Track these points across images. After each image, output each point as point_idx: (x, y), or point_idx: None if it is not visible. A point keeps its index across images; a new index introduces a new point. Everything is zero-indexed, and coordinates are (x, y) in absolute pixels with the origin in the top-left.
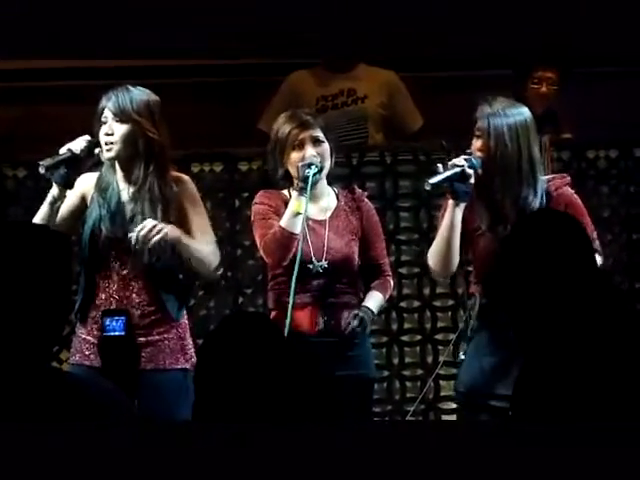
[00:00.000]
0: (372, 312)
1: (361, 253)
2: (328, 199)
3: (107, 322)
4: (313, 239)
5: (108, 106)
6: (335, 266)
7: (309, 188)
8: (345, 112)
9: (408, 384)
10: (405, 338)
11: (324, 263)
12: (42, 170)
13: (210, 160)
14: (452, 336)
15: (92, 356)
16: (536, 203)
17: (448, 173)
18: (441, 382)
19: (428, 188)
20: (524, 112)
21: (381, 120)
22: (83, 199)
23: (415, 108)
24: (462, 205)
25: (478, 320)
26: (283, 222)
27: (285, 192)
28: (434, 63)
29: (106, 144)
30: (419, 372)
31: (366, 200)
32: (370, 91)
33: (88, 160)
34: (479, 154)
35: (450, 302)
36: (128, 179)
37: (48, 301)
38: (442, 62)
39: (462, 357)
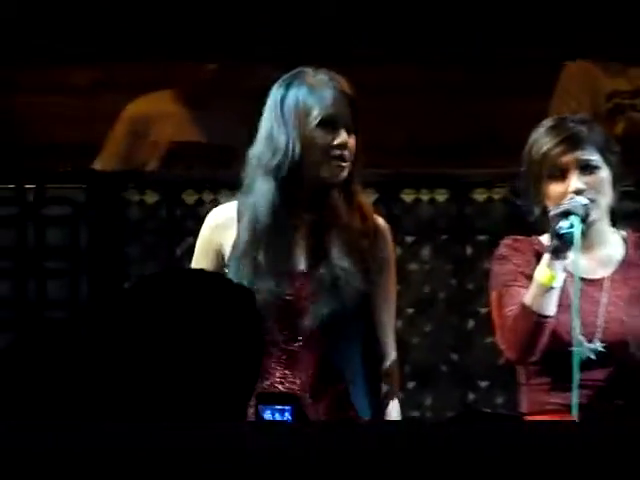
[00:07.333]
0: None
1: None
2: (609, 247)
3: (266, 414)
4: (583, 308)
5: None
6: (615, 349)
7: (568, 251)
8: None
9: None
10: None
11: (598, 345)
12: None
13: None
14: None
15: None
16: None
17: None
18: None
19: None
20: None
21: None
22: (219, 254)
23: None
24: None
25: None
26: (528, 299)
27: (542, 238)
28: None
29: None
30: None
31: None
32: None
33: None
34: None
35: None
36: (308, 208)
37: (236, 368)
38: None
39: None
